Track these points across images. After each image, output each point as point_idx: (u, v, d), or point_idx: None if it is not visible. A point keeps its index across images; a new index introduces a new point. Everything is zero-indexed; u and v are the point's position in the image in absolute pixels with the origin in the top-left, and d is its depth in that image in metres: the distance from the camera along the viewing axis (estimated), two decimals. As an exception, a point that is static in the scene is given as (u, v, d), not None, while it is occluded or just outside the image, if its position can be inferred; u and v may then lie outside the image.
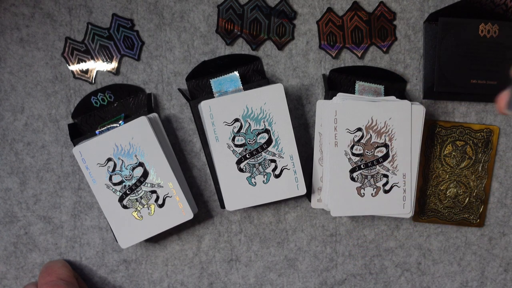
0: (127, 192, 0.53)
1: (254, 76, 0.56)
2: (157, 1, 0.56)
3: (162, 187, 0.53)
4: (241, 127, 0.52)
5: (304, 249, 0.59)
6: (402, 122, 0.52)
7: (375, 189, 0.53)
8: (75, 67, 0.56)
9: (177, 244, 0.58)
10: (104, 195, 0.53)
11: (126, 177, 0.53)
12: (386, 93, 0.56)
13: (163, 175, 0.53)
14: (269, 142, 0.52)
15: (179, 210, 0.53)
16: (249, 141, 0.52)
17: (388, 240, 0.59)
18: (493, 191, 0.59)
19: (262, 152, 0.52)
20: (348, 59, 0.57)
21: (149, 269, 0.58)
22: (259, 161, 0.52)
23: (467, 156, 0.58)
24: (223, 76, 0.55)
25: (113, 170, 0.53)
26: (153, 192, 0.53)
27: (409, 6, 0.57)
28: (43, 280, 0.53)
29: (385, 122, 0.52)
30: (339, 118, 0.52)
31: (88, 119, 0.56)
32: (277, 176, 0.53)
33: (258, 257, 0.59)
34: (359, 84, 0.55)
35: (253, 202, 0.53)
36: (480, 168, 0.58)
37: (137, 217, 0.53)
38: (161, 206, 0.53)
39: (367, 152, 0.52)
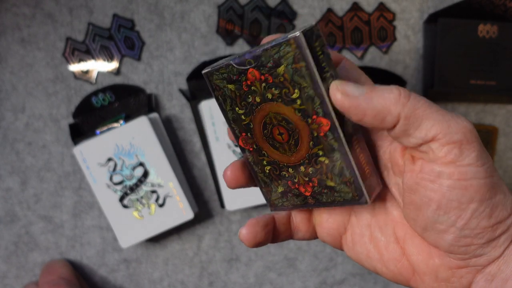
0: (128, 191, 0.53)
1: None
2: (157, 1, 0.56)
3: (163, 186, 0.53)
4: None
5: (304, 248, 0.59)
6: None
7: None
8: (76, 67, 0.57)
9: (177, 244, 0.58)
10: (104, 195, 0.53)
11: (126, 177, 0.53)
12: (386, 94, 0.56)
13: (163, 175, 0.53)
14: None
15: (180, 209, 0.53)
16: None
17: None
18: (492, 191, 0.59)
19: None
20: (348, 59, 0.57)
21: (149, 269, 0.58)
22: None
23: (466, 156, 0.58)
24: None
25: (114, 169, 0.53)
26: (154, 191, 0.53)
27: (408, 6, 0.57)
28: (44, 279, 0.53)
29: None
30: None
31: (89, 119, 0.56)
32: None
33: (258, 257, 0.59)
34: (358, 85, 0.56)
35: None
36: (479, 168, 0.58)
37: (138, 217, 0.54)
38: (161, 205, 0.53)
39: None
